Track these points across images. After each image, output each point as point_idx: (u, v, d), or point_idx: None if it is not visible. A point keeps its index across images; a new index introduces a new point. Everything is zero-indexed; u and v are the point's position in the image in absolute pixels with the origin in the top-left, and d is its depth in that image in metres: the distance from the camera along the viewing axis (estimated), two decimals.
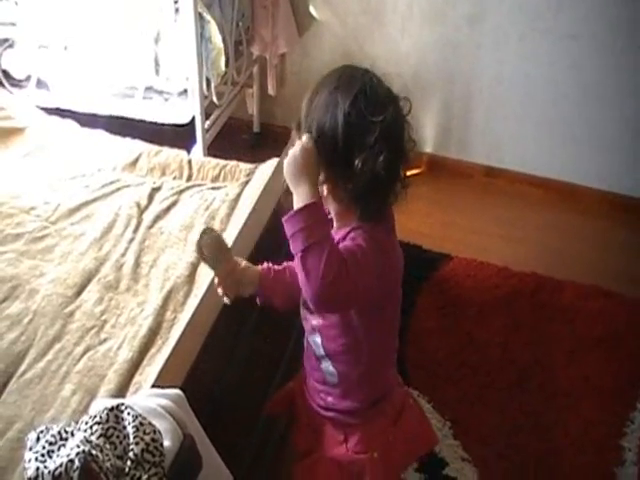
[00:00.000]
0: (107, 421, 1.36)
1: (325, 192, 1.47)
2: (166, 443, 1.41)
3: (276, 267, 1.75)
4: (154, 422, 1.43)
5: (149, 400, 1.52)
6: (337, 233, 1.50)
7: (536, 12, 3.14)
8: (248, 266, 1.73)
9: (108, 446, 1.33)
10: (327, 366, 1.64)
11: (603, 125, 3.30)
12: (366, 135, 1.39)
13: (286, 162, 1.41)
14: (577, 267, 3.05)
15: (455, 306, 2.82)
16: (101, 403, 1.57)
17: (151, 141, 2.89)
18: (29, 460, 1.29)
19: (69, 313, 2.10)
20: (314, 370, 1.70)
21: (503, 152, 3.54)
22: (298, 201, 1.37)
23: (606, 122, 3.28)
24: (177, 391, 1.51)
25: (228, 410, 1.79)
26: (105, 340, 2.03)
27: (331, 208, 1.51)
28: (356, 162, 1.39)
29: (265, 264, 1.76)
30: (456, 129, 3.55)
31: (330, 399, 1.69)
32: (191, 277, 2.21)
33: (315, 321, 1.60)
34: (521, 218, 3.35)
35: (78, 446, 1.25)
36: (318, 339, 1.61)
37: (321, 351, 1.62)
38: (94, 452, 1.26)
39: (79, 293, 2.17)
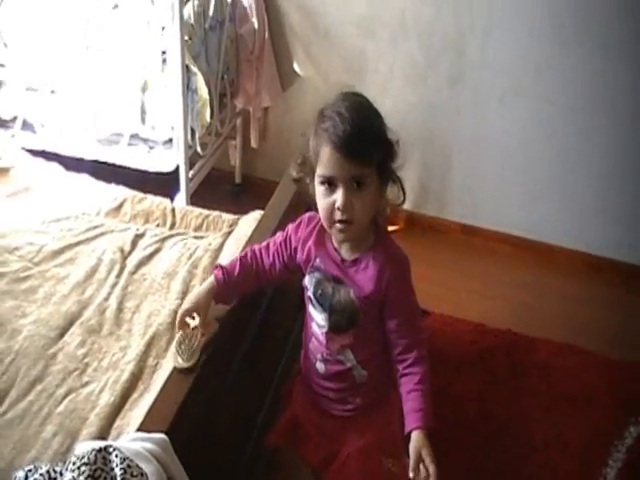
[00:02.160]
0: (95, 462, 1.38)
1: (368, 204, 1.67)
2: None
3: (231, 271, 1.90)
4: (142, 465, 1.45)
5: (134, 443, 1.53)
6: (357, 267, 1.76)
7: (515, 75, 3.23)
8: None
9: None
10: (358, 371, 1.84)
11: (579, 187, 3.39)
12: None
13: None
14: (551, 325, 3.11)
15: (431, 360, 2.84)
16: (87, 445, 1.59)
17: (135, 187, 2.92)
18: None
19: (51, 355, 2.11)
20: (342, 382, 1.88)
21: (480, 211, 3.61)
22: None
23: (582, 184, 3.37)
24: (162, 436, 1.53)
25: (212, 454, 1.80)
26: (87, 383, 2.04)
27: (365, 220, 1.71)
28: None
29: (216, 272, 1.90)
30: (434, 188, 3.62)
31: (358, 400, 1.90)
32: (173, 324, 2.20)
33: (346, 340, 1.80)
34: (497, 275, 3.41)
35: None
36: (350, 354, 1.82)
37: (353, 362, 1.83)
38: None
39: (62, 335, 2.18)
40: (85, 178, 2.95)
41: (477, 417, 2.66)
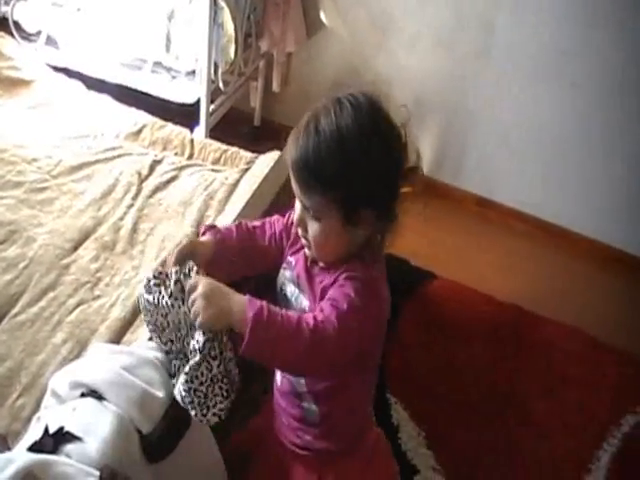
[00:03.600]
0: None
1: (321, 236, 1.40)
2: (159, 394, 1.46)
3: (228, 236, 1.62)
4: (150, 372, 1.50)
5: (148, 351, 1.57)
6: (324, 275, 1.45)
7: (543, 57, 3.20)
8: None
9: None
10: (309, 405, 1.56)
11: (601, 176, 3.34)
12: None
13: (201, 310, 1.30)
14: (558, 306, 3.09)
15: (437, 325, 2.87)
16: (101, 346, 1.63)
17: (154, 115, 2.92)
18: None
19: (65, 265, 2.13)
20: (292, 407, 1.60)
21: (496, 186, 3.58)
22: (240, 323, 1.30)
23: (605, 173, 3.32)
24: None
25: None
26: (98, 297, 2.07)
27: (325, 251, 1.44)
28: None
29: (213, 233, 1.61)
30: (452, 156, 3.60)
31: (308, 437, 1.61)
32: None
33: None
34: (510, 250, 3.38)
35: None
36: (302, 379, 1.53)
37: (303, 389, 1.54)
38: None
39: (76, 248, 2.21)
40: (106, 99, 2.95)
41: (478, 387, 2.68)
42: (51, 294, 2.03)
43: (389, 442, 1.88)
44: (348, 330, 1.34)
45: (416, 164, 1.59)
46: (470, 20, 3.26)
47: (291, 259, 1.56)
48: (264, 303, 1.31)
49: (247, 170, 2.65)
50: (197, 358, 1.33)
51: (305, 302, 1.49)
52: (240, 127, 3.67)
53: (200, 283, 1.33)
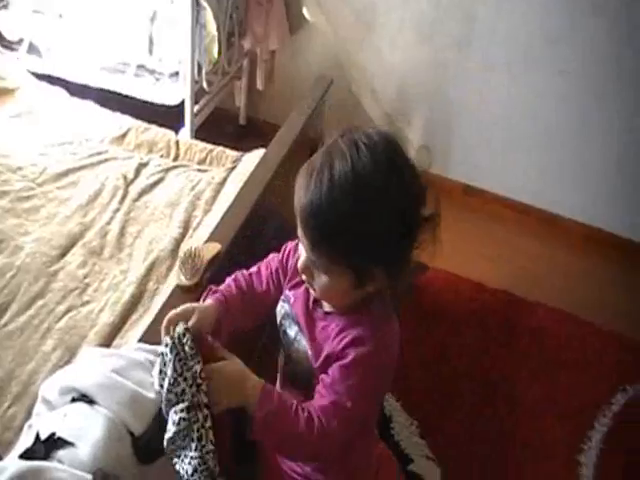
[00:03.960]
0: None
1: (328, 289, 1.33)
2: (150, 395, 1.46)
3: (228, 293, 1.55)
4: (140, 374, 1.48)
5: (137, 353, 1.56)
6: (327, 321, 1.39)
7: (527, 43, 3.19)
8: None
9: None
10: None
11: (586, 160, 3.36)
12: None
13: (215, 402, 1.28)
14: (549, 291, 3.12)
15: (430, 315, 2.88)
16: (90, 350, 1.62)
17: (139, 118, 2.92)
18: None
19: (53, 272, 2.13)
20: None
21: (482, 173, 3.60)
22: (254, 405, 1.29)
23: (589, 157, 3.35)
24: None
25: None
26: (87, 302, 2.07)
27: (332, 301, 1.38)
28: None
29: (214, 295, 1.54)
30: (438, 146, 3.60)
31: (308, 469, 1.55)
32: (174, 252, 2.24)
33: (299, 397, 1.41)
34: (498, 238, 3.41)
35: None
36: None
37: None
38: None
39: (63, 255, 2.20)
40: (90, 105, 2.94)
41: (470, 375, 2.69)
42: (40, 302, 2.02)
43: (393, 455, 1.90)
44: (352, 417, 1.32)
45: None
46: (451, 11, 3.26)
47: (289, 294, 1.50)
48: (274, 395, 1.30)
49: (233, 169, 2.66)
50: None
51: (304, 343, 1.43)
52: (225, 126, 3.67)
53: (212, 373, 1.30)
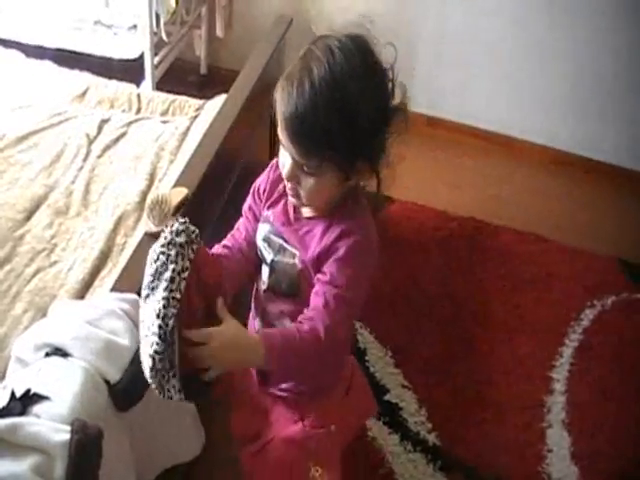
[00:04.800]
0: None
1: (316, 190, 1.38)
2: (125, 342, 1.46)
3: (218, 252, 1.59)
4: (114, 322, 1.49)
5: (109, 302, 1.56)
6: (310, 225, 1.45)
7: None
8: None
9: None
10: None
11: (543, 80, 3.37)
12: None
13: (215, 365, 1.31)
14: (514, 214, 3.16)
15: (397, 245, 2.90)
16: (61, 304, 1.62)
17: (99, 75, 2.87)
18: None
19: (19, 236, 2.10)
20: None
21: (445, 103, 3.60)
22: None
23: (546, 78, 3.35)
24: (134, 296, 1.55)
25: None
26: (56, 262, 2.04)
27: (317, 202, 1.43)
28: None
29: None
30: (400, 79, 3.57)
31: (292, 383, 1.61)
32: (141, 204, 2.21)
33: (285, 306, 1.52)
34: (462, 166, 3.44)
35: None
36: (288, 323, 1.51)
37: None
38: None
39: (29, 218, 2.17)
40: (48, 65, 2.89)
41: (440, 299, 2.73)
42: (7, 267, 1.99)
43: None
44: (353, 307, 1.42)
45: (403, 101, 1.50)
46: None
47: (268, 213, 1.54)
48: (276, 340, 1.34)
49: (196, 117, 2.62)
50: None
51: (295, 254, 1.47)
52: (187, 77, 3.63)
53: (210, 337, 1.30)
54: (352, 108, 1.29)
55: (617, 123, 3.38)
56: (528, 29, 3.27)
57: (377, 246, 1.47)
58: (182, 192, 1.85)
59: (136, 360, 1.40)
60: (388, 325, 2.58)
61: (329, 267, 1.39)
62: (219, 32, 3.55)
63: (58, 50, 3.06)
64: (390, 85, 1.43)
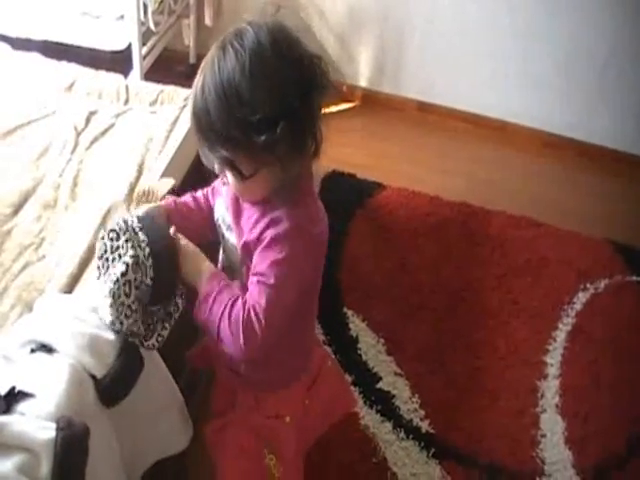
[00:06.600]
0: None
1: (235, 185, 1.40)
2: (111, 336, 1.47)
3: (182, 201, 1.66)
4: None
5: (94, 296, 1.55)
6: (251, 210, 1.44)
7: None
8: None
9: None
10: None
11: (535, 64, 3.38)
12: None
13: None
14: (506, 198, 3.16)
15: (388, 232, 2.91)
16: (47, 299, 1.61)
17: (86, 66, 2.84)
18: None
19: (6, 231, 2.08)
20: None
21: (435, 88, 3.60)
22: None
23: (538, 61, 3.36)
24: None
25: None
26: (44, 257, 2.03)
27: (255, 196, 1.43)
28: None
29: (170, 198, 1.68)
30: (390, 65, 3.59)
31: (243, 366, 1.60)
32: (130, 196, 2.20)
33: (236, 288, 1.46)
34: (453, 151, 3.44)
35: None
36: None
37: None
38: None
39: (16, 212, 2.15)
40: (35, 57, 2.86)
41: (432, 286, 2.73)
42: None
43: (336, 361, 1.97)
44: (281, 295, 1.37)
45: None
46: None
47: (223, 188, 1.56)
48: (221, 284, 1.42)
49: (185, 107, 2.60)
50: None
51: (236, 237, 1.49)
52: (176, 67, 3.60)
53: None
54: (245, 108, 1.26)
55: (610, 106, 3.38)
56: (519, 12, 3.26)
57: (320, 232, 1.45)
58: (169, 182, 1.86)
59: (122, 354, 1.40)
60: (380, 312, 2.58)
61: (255, 256, 1.40)
62: (208, 21, 3.53)
63: (45, 42, 3.04)
64: (312, 69, 1.34)
